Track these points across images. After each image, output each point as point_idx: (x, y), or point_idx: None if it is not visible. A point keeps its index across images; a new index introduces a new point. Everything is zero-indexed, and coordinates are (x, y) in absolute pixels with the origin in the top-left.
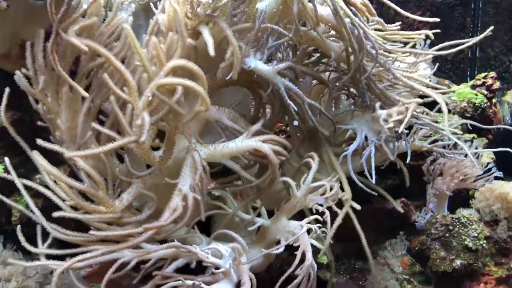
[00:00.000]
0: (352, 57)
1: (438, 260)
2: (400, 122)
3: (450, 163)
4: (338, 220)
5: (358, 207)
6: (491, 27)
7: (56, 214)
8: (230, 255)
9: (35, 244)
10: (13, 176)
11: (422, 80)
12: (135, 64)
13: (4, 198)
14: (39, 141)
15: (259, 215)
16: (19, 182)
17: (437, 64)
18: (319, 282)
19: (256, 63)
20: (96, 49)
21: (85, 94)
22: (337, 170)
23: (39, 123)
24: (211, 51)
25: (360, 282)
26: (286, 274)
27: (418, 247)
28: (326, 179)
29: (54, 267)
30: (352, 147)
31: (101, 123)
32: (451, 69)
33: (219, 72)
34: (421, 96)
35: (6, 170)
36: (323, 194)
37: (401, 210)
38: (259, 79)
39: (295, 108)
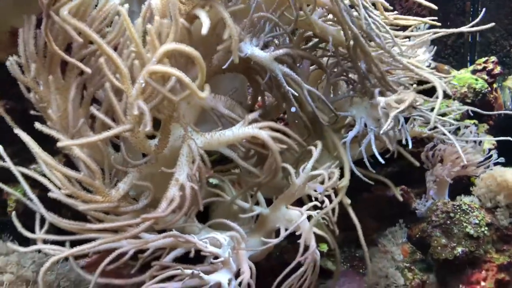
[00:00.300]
0: (351, 42)
1: (439, 248)
2: (399, 111)
3: (451, 149)
4: (329, 208)
5: (348, 201)
6: (483, 11)
7: (52, 195)
8: (229, 244)
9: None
10: (8, 163)
11: (421, 66)
12: (129, 51)
13: (3, 186)
14: (38, 125)
15: (257, 204)
16: (15, 169)
17: (436, 48)
18: (320, 270)
19: (252, 50)
20: (88, 34)
21: (86, 69)
22: (341, 155)
23: (32, 112)
24: (205, 30)
25: (361, 271)
26: (293, 264)
27: (419, 235)
28: (324, 167)
29: (51, 252)
30: (351, 134)
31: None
32: (450, 54)
33: (214, 58)
34: (420, 82)
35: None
36: (323, 182)
37: (400, 198)
38: (256, 65)
39: (295, 94)
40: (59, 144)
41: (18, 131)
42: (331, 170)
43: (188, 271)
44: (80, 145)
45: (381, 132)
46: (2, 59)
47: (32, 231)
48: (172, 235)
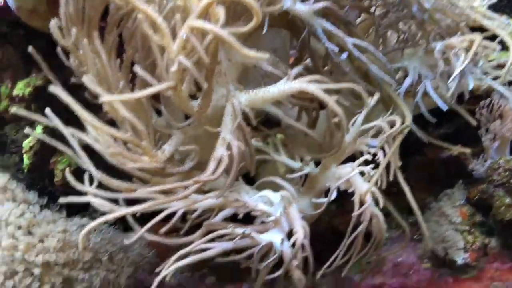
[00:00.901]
0: None
1: (502, 208)
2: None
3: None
4: (385, 161)
5: (398, 163)
6: None
7: (97, 146)
8: (281, 203)
9: (79, 208)
10: (57, 123)
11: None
12: (169, 7)
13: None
14: (85, 79)
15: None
16: (64, 129)
17: None
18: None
19: (291, 2)
20: None
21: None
22: (400, 106)
23: (72, 80)
24: None
25: (415, 236)
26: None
27: (478, 196)
28: (378, 120)
29: (102, 207)
30: (405, 84)
31: (133, 79)
32: (507, 6)
33: None
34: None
35: (45, 131)
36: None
37: (467, 151)
38: (297, 20)
39: (336, 49)
40: (102, 99)
41: (58, 91)
42: (391, 118)
43: (239, 230)
44: (124, 100)
45: (453, 76)
46: (41, 28)
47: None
48: (222, 194)
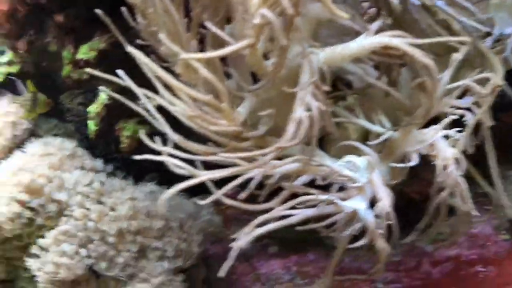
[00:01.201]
0: None
1: None
2: None
3: None
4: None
5: None
6: None
7: (172, 109)
8: (366, 169)
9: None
10: (129, 83)
11: None
12: None
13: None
14: (161, 37)
15: None
16: (138, 89)
17: None
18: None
19: None
20: None
21: None
22: (490, 59)
23: (138, 41)
24: None
25: (485, 207)
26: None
27: None
28: (468, 79)
29: (176, 171)
30: (492, 38)
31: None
32: None
33: None
34: None
35: (110, 97)
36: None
37: None
38: None
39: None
40: (182, 57)
41: (135, 52)
42: (480, 76)
43: (323, 197)
44: (202, 59)
45: None
46: None
47: (145, 170)
48: (303, 159)
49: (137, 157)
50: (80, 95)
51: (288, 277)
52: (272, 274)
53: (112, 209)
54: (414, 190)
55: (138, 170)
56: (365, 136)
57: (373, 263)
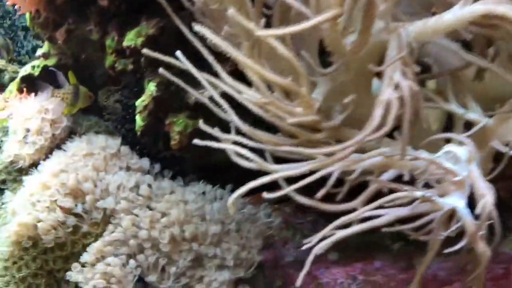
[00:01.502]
0: None
1: None
2: None
3: None
4: None
5: None
6: None
7: (236, 94)
8: (467, 161)
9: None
10: (189, 66)
11: None
12: None
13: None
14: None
15: None
16: (198, 74)
17: None
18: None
19: None
20: None
21: None
22: None
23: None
24: None
25: None
26: None
27: None
28: None
29: (242, 164)
30: None
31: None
32: None
33: None
34: None
35: (159, 89)
36: None
37: None
38: None
39: None
40: (258, 33)
41: (204, 30)
42: None
43: (419, 193)
44: (281, 35)
45: None
46: None
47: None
48: (404, 150)
49: (199, 142)
50: (116, 92)
51: (355, 287)
52: (336, 284)
53: (164, 214)
54: (503, 187)
55: (181, 170)
56: (446, 125)
57: (448, 270)
